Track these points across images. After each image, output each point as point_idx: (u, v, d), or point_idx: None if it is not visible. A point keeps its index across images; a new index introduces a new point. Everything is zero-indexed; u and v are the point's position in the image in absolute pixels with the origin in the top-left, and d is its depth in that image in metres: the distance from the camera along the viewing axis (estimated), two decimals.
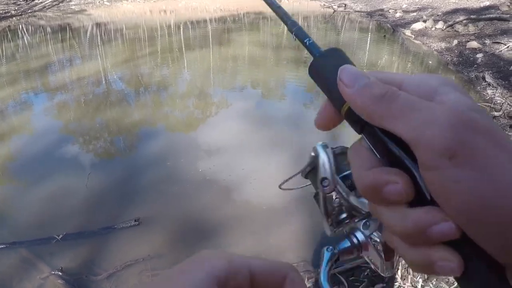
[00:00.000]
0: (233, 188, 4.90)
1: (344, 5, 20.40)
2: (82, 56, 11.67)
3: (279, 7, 0.63)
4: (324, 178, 0.71)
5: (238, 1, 22.94)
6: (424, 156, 0.37)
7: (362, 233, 0.71)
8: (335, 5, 20.70)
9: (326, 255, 0.73)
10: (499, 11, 13.46)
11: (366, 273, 3.80)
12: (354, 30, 16.43)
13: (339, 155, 0.76)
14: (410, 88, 0.42)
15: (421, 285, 3.66)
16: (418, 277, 3.74)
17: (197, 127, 6.79)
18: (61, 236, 3.99)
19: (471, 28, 13.73)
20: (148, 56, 11.32)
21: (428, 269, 0.39)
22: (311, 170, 0.78)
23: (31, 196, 4.72)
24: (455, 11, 15.27)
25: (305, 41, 0.53)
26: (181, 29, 15.37)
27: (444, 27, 14.91)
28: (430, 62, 12.04)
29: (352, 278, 3.76)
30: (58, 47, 12.73)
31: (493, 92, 9.32)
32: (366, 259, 0.75)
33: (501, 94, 9.11)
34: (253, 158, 5.63)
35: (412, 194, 0.39)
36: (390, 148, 0.41)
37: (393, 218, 0.40)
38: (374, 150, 0.43)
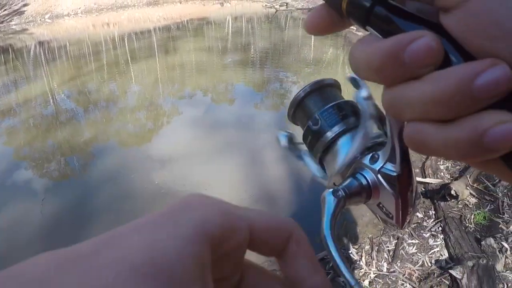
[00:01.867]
0: None
1: (285, 4, 20.53)
2: (27, 77, 11.42)
3: None
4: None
5: (180, 8, 22.84)
6: None
7: (370, 169, 0.54)
8: (276, 4, 20.80)
9: (329, 199, 0.55)
10: None
11: (331, 264, 3.85)
12: (298, 28, 16.54)
13: (325, 88, 0.65)
14: None
15: (387, 268, 3.75)
16: (383, 261, 3.85)
17: (150, 139, 6.76)
18: None
19: None
20: (94, 72, 11.15)
21: (476, 145, 0.29)
22: (296, 110, 0.67)
23: None
24: None
25: None
26: (126, 41, 15.21)
27: None
28: None
29: None
30: (1, 70, 12.47)
31: None
32: (375, 211, 0.59)
33: None
34: (205, 164, 5.66)
35: (442, 50, 0.30)
36: (406, 20, 0.34)
37: (423, 87, 0.31)
38: (384, 36, 0.35)
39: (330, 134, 0.60)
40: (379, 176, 0.53)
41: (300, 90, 0.64)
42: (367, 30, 0.38)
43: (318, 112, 0.62)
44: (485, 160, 0.32)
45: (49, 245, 4.19)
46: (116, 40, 15.49)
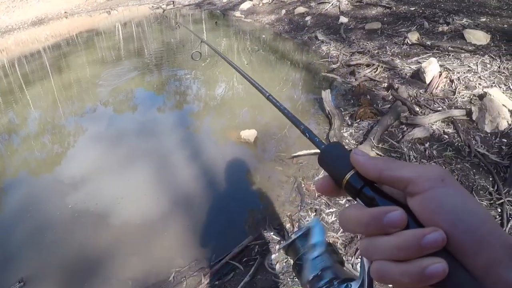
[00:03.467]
0: (104, 214, 4.87)
1: (172, 2, 20.49)
2: None
3: (295, 117, 0.86)
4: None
5: (67, 23, 22.28)
6: (423, 183, 0.51)
7: None
8: (163, 4, 20.74)
9: None
10: None
11: (256, 250, 3.95)
12: (188, 24, 16.53)
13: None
14: None
15: None
16: None
17: (59, 162, 6.61)
18: None
19: None
20: None
21: (419, 276, 0.47)
22: (290, 246, 0.88)
23: None
24: None
25: (314, 139, 0.74)
26: (17, 66, 14.67)
27: (271, 0, 15.42)
28: (264, 36, 12.40)
29: (245, 259, 3.88)
30: None
31: (327, 47, 9.85)
32: None
33: (335, 47, 9.67)
34: (116, 177, 5.65)
35: (406, 219, 0.50)
36: (384, 199, 0.56)
37: (391, 240, 0.50)
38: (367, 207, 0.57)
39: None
40: None
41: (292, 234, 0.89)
42: (356, 201, 0.58)
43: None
44: None
45: None
46: (6, 67, 14.89)
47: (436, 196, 0.50)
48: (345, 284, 0.76)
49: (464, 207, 0.49)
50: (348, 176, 0.59)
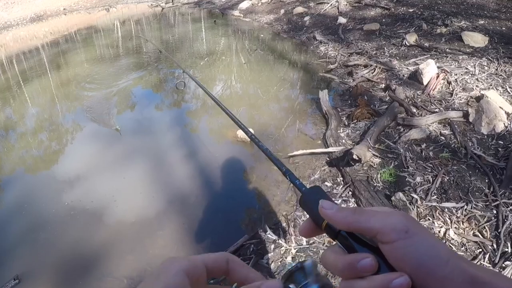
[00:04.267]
0: (99, 212, 4.86)
1: (171, 1, 20.46)
2: None
3: (277, 159, 0.97)
4: None
5: (66, 20, 22.20)
6: (389, 234, 0.57)
7: None
8: (162, 2, 20.72)
9: None
10: None
11: (251, 249, 3.95)
12: (187, 22, 16.51)
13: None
14: None
15: (306, 241, 3.87)
16: (302, 239, 3.96)
17: (56, 160, 6.59)
18: None
19: None
20: None
21: None
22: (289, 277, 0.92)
23: None
24: None
25: (295, 181, 0.81)
26: (15, 63, 14.61)
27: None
28: (263, 35, 12.38)
29: (241, 258, 3.81)
30: None
31: (325, 48, 9.84)
32: None
33: (333, 47, 9.66)
34: (112, 175, 5.63)
35: (377, 265, 0.58)
36: (358, 243, 0.62)
37: (364, 284, 0.57)
38: (345, 248, 0.64)
39: None
40: None
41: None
42: (335, 241, 0.65)
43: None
44: None
45: None
46: (5, 63, 14.83)
47: (401, 247, 0.57)
48: None
49: (426, 253, 0.56)
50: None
